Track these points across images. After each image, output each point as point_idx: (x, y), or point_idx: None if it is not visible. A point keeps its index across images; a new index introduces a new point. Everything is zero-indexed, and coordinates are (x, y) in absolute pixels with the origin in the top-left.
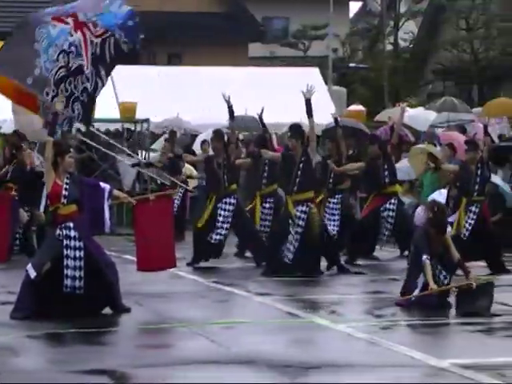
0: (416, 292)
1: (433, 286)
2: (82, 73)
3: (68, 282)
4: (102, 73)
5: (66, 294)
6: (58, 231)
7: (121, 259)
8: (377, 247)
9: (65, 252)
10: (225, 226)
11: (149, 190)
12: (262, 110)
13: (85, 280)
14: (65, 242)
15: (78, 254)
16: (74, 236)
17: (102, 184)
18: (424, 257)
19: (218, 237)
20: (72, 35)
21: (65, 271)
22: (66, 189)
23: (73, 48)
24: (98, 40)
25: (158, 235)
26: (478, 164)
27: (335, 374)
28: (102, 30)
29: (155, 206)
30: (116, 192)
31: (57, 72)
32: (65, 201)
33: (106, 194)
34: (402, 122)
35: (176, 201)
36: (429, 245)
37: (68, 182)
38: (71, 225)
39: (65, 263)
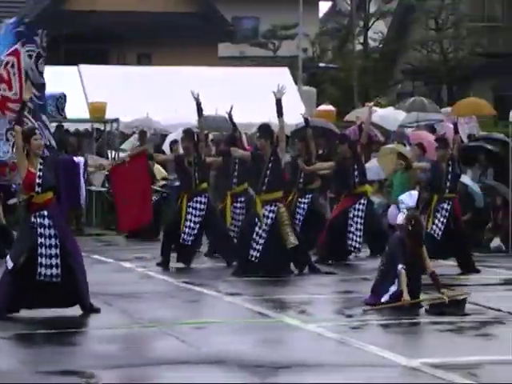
0: (386, 297)
1: (406, 297)
2: None
3: (42, 270)
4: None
5: (42, 283)
6: (32, 219)
7: (90, 259)
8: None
9: (39, 240)
10: (197, 226)
11: None
12: (231, 109)
13: (62, 268)
14: (39, 231)
15: (53, 242)
16: (49, 224)
17: (76, 159)
18: (400, 266)
19: (189, 238)
20: None
21: (39, 259)
22: (39, 176)
23: None
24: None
25: (135, 193)
26: (448, 161)
27: (305, 374)
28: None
29: (131, 165)
30: (92, 161)
31: None
32: (39, 189)
33: (81, 169)
34: (370, 122)
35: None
36: (404, 254)
37: (42, 168)
38: (45, 213)
39: (39, 251)
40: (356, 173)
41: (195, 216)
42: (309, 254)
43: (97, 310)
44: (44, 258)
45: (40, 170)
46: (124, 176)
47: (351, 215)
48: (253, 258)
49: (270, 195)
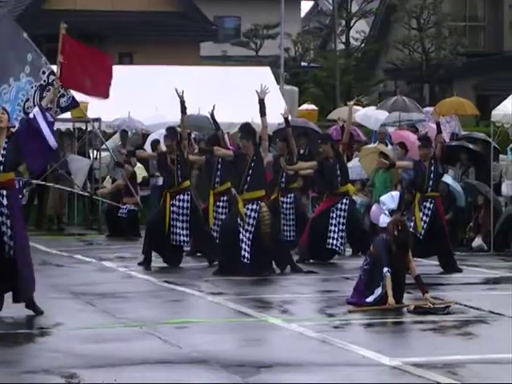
0: (371, 299)
1: (391, 301)
2: None
3: None
4: None
5: None
6: None
7: (72, 259)
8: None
9: None
10: (185, 225)
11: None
12: (214, 108)
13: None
14: None
15: (8, 221)
16: (6, 204)
17: (31, 114)
18: (385, 269)
19: (180, 238)
20: None
21: None
22: (2, 155)
23: None
24: None
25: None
26: (431, 160)
27: (287, 373)
28: None
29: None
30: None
31: None
32: (0, 168)
33: (39, 116)
34: (351, 120)
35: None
36: (389, 257)
37: (6, 146)
38: (4, 192)
39: None
40: (338, 172)
41: (180, 215)
42: (290, 254)
43: (39, 312)
44: None
45: (4, 148)
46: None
47: (333, 215)
48: (245, 260)
49: (252, 194)
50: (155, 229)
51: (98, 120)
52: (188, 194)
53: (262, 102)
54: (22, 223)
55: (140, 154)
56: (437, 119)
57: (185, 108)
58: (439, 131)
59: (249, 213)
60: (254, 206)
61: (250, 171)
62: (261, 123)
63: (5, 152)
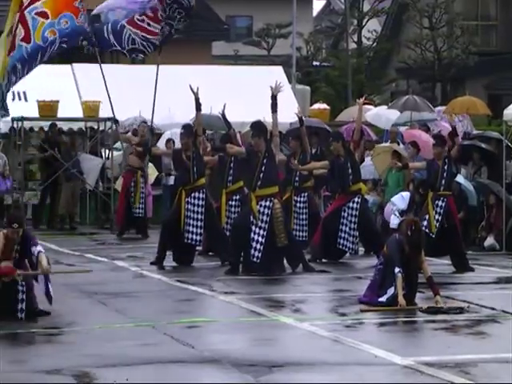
0: (383, 298)
1: (402, 302)
2: None
3: None
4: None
5: None
6: None
7: (84, 259)
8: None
9: None
10: (199, 223)
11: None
12: (224, 107)
13: None
14: None
15: None
16: None
17: None
18: (397, 270)
19: (195, 237)
20: None
21: None
22: None
23: None
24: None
25: None
26: (445, 159)
27: (299, 373)
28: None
29: None
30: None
31: None
32: None
33: None
34: (361, 118)
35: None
36: (402, 258)
37: None
38: None
39: None
40: (350, 171)
41: (195, 213)
42: (302, 253)
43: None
44: None
45: None
46: None
47: (345, 214)
48: (255, 259)
49: (265, 191)
50: (171, 228)
51: (110, 119)
52: (203, 192)
53: (274, 98)
54: None
55: (155, 151)
56: (453, 123)
57: (199, 105)
58: (456, 134)
59: (262, 209)
60: (268, 203)
61: (263, 168)
62: (272, 120)
63: None
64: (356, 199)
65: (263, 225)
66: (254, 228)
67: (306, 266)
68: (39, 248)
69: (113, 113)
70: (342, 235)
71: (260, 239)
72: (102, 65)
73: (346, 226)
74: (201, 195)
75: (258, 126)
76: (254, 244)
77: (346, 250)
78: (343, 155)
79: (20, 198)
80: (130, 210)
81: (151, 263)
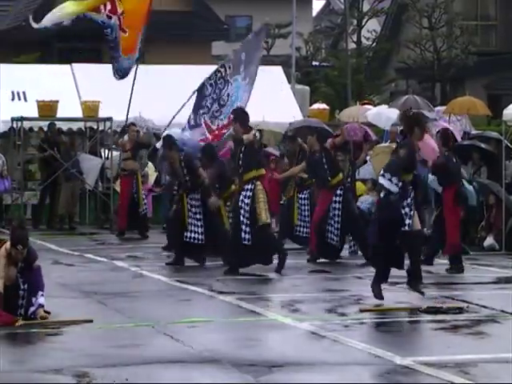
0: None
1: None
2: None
3: None
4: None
5: None
6: None
7: (84, 259)
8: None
9: None
10: (199, 223)
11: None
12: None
13: None
14: None
15: None
16: None
17: None
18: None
19: (198, 236)
20: None
21: None
22: None
23: None
24: None
25: None
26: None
27: (299, 373)
28: None
29: None
30: None
31: None
32: None
33: None
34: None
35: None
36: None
37: None
38: None
39: None
40: (326, 166)
41: (194, 213)
42: (283, 245)
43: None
44: None
45: None
46: None
47: (331, 214)
48: (246, 242)
49: (247, 175)
50: (176, 227)
51: (109, 119)
52: (198, 193)
53: None
54: None
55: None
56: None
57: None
58: (455, 140)
59: (244, 193)
60: (250, 186)
61: (241, 155)
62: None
63: None
64: (338, 192)
65: (247, 207)
66: (242, 212)
67: (281, 264)
68: (40, 300)
69: (127, 113)
70: (329, 228)
71: (246, 221)
72: (102, 65)
73: (331, 219)
74: (197, 195)
75: (239, 112)
76: (243, 227)
77: (333, 242)
78: (318, 150)
79: (20, 198)
80: (132, 211)
81: (167, 264)
